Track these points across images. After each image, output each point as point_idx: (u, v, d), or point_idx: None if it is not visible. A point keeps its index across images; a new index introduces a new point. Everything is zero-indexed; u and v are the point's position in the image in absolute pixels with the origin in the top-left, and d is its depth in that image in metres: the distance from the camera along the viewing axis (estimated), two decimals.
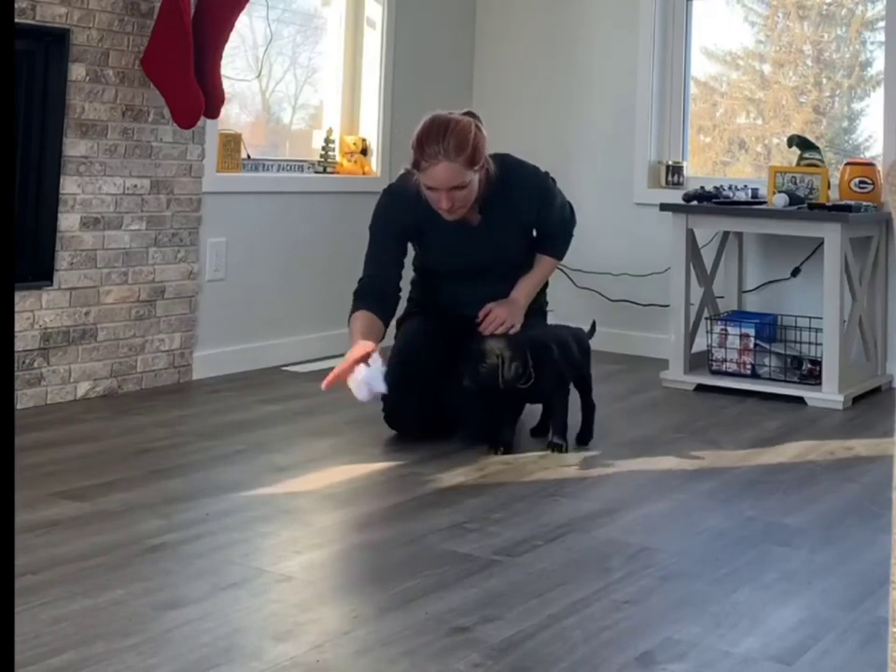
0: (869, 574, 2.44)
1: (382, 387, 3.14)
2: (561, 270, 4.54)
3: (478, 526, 2.67)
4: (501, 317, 3.52)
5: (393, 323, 3.75)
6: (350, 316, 3.44)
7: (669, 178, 5.02)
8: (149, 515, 2.67)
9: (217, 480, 2.98)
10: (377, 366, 3.13)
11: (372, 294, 3.44)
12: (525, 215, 3.58)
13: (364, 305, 3.41)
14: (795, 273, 4.72)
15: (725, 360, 4.40)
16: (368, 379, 3.09)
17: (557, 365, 3.35)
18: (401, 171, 3.54)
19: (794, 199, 4.35)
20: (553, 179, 3.70)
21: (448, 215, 3.41)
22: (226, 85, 4.02)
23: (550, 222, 3.67)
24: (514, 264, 3.63)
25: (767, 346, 4.38)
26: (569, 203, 3.76)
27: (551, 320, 3.87)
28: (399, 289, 3.55)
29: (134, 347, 3.96)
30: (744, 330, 4.38)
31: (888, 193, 1.38)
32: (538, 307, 3.74)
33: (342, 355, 4.70)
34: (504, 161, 3.58)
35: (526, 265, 3.67)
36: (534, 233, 3.71)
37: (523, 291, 3.62)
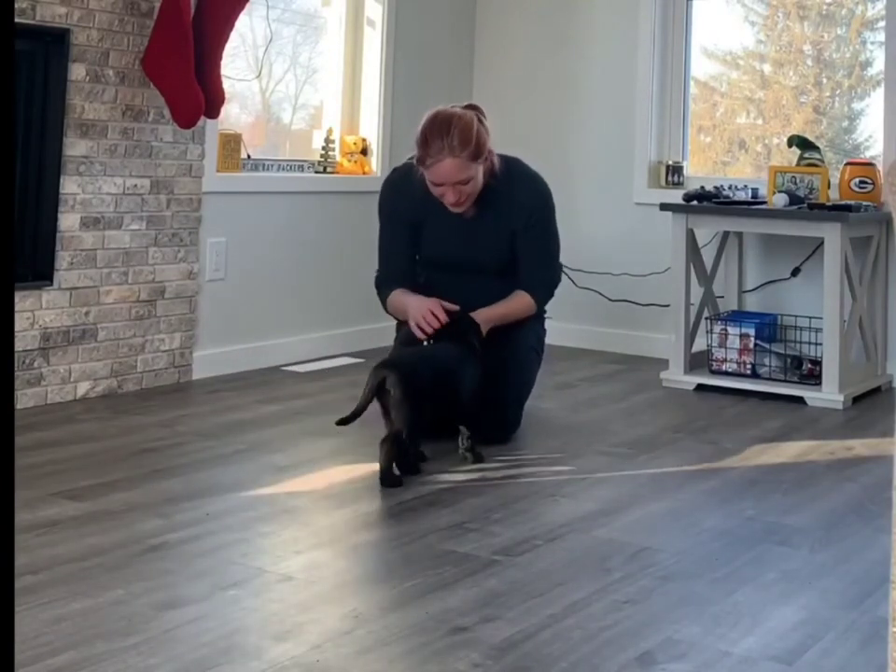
0: (869, 574, 2.44)
1: None
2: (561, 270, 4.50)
3: (478, 526, 2.67)
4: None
5: (395, 324, 3.76)
6: (386, 303, 3.58)
7: (669, 178, 5.02)
8: (149, 515, 2.67)
9: (216, 480, 2.98)
10: None
11: (395, 280, 3.57)
12: (515, 220, 3.52)
13: (395, 287, 3.55)
14: (795, 272, 4.72)
15: (725, 360, 4.40)
16: None
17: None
18: (406, 159, 3.54)
19: (794, 199, 4.35)
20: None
21: (455, 208, 3.45)
22: (226, 85, 4.02)
23: (533, 251, 3.55)
24: (503, 265, 3.57)
25: (767, 346, 4.38)
26: (561, 264, 3.73)
27: (547, 326, 3.82)
28: (417, 273, 3.62)
29: (134, 347, 3.96)
30: (744, 330, 4.38)
31: (888, 193, 1.38)
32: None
33: (341, 354, 4.78)
34: (514, 163, 3.58)
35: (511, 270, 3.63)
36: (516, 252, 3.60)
37: (483, 316, 3.44)
